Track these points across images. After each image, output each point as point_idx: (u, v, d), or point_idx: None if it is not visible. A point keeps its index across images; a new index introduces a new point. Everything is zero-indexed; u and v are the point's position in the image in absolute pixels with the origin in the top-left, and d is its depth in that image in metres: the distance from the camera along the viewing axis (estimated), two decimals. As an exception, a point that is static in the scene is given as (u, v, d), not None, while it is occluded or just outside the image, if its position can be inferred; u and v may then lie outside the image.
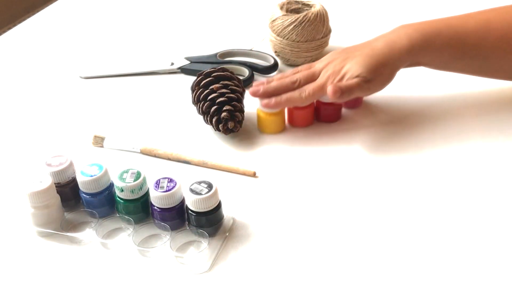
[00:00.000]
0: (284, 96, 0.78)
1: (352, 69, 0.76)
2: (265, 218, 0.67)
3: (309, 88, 0.77)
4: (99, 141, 0.80)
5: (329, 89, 0.75)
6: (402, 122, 0.82)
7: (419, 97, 0.86)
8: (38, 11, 1.21)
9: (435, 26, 0.78)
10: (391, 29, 0.80)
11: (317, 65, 0.80)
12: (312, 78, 0.79)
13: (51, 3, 1.24)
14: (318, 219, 0.67)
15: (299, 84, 0.78)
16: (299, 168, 0.74)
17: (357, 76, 0.75)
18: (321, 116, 0.82)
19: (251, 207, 0.69)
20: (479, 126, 0.80)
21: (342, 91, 0.74)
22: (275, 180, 0.73)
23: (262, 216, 0.67)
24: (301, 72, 0.80)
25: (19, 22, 1.18)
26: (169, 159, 0.77)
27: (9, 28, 1.17)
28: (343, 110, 0.84)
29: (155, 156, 0.77)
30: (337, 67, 0.78)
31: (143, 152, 0.78)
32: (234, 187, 0.72)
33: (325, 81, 0.77)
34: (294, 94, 0.77)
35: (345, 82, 0.76)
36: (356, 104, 0.85)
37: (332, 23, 0.95)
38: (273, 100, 0.78)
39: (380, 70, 0.76)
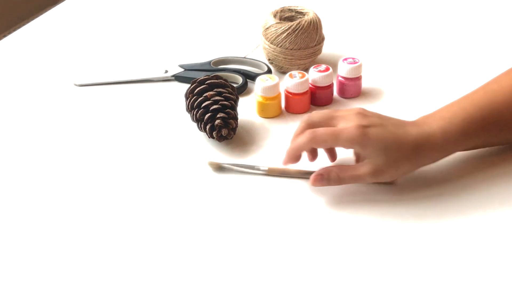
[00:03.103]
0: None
1: (371, 148, 0.66)
2: (259, 224, 0.67)
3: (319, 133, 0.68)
4: (215, 166, 0.76)
5: (312, 178, 0.69)
6: (399, 109, 0.83)
7: (417, 88, 0.88)
8: (32, 19, 1.21)
9: (465, 111, 0.69)
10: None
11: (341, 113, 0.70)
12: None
13: (45, 11, 1.25)
14: (316, 227, 0.67)
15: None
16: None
17: (368, 164, 0.67)
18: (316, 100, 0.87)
19: (243, 215, 0.69)
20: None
21: (338, 181, 0.68)
22: (267, 184, 0.73)
23: (259, 223, 0.68)
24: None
25: (14, 30, 1.18)
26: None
27: (4, 36, 1.17)
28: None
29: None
30: (362, 121, 0.66)
31: (270, 173, 0.74)
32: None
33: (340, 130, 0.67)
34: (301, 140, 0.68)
35: (348, 173, 0.68)
36: (355, 94, 0.89)
37: (325, 31, 0.96)
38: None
39: (401, 164, 0.67)
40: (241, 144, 0.81)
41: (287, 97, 0.86)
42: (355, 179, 0.68)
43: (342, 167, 0.69)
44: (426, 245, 0.63)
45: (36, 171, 0.78)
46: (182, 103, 0.83)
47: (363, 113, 0.68)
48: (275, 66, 0.96)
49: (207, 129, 0.78)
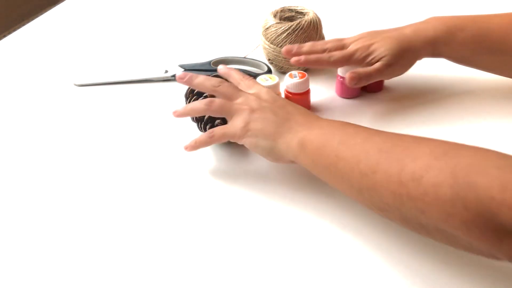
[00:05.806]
0: (314, 56, 0.83)
1: (378, 50, 0.81)
2: (257, 229, 0.68)
3: (337, 54, 0.82)
4: None
5: (347, 76, 0.80)
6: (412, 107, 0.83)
7: (417, 87, 0.88)
8: (32, 19, 1.21)
9: (461, 21, 0.82)
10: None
11: (347, 40, 0.85)
12: (341, 49, 0.84)
13: (45, 11, 1.25)
14: (322, 230, 0.67)
15: (329, 51, 0.84)
16: (293, 176, 0.75)
17: (381, 59, 0.80)
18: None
19: (243, 218, 0.69)
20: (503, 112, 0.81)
21: (360, 77, 0.80)
22: (267, 187, 0.73)
23: (252, 228, 0.68)
24: (332, 42, 0.85)
25: (14, 30, 1.18)
26: None
27: (4, 36, 1.17)
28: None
29: None
30: (366, 43, 0.82)
31: None
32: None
33: (353, 52, 0.82)
34: (323, 56, 0.82)
35: (364, 69, 0.81)
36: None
37: (325, 31, 0.96)
38: (303, 57, 0.82)
39: (403, 55, 0.81)
40: (240, 145, 0.81)
41: (287, 97, 0.86)
42: (376, 73, 0.81)
43: (367, 67, 0.82)
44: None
45: (36, 171, 0.78)
46: (182, 103, 0.83)
47: (363, 37, 0.84)
48: (275, 66, 0.96)
49: (207, 129, 0.78)
